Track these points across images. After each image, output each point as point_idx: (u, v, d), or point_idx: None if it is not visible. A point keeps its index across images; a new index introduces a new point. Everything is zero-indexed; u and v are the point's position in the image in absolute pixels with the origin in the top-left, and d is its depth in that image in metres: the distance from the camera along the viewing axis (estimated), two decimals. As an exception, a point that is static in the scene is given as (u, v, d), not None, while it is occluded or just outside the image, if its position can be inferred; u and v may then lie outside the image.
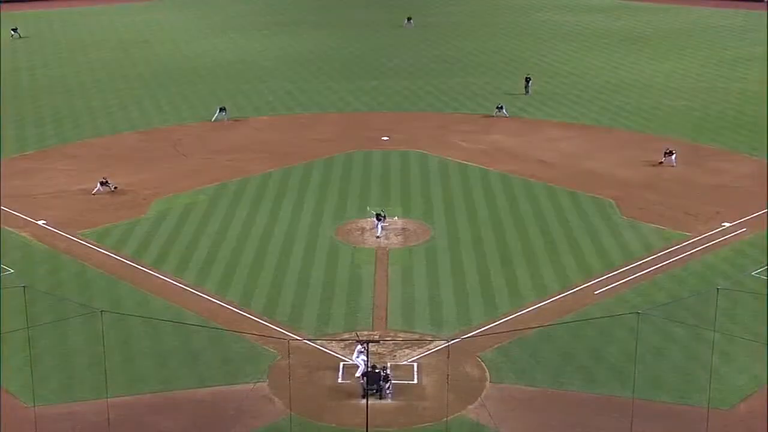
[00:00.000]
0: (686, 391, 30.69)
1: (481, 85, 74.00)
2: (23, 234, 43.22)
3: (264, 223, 44.94)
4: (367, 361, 30.42)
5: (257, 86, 73.65)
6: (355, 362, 31.43)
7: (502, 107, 64.62)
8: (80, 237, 42.96)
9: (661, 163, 53.13)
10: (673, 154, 53.28)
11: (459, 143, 58.42)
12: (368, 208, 44.29)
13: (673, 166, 52.75)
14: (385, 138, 59.28)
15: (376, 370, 30.35)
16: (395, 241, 43.02)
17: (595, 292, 37.75)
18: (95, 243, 42.29)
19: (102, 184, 48.32)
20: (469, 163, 54.11)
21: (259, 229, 44.13)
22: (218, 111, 63.12)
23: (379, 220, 43.41)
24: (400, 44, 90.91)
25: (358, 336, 32.93)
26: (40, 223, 44.56)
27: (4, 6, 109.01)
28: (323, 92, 72.04)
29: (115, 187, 48.46)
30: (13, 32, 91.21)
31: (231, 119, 62.83)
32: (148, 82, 74.88)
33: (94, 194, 48.06)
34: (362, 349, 31.23)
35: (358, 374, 30.93)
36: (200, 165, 54.01)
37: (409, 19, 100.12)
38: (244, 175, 51.92)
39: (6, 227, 43.98)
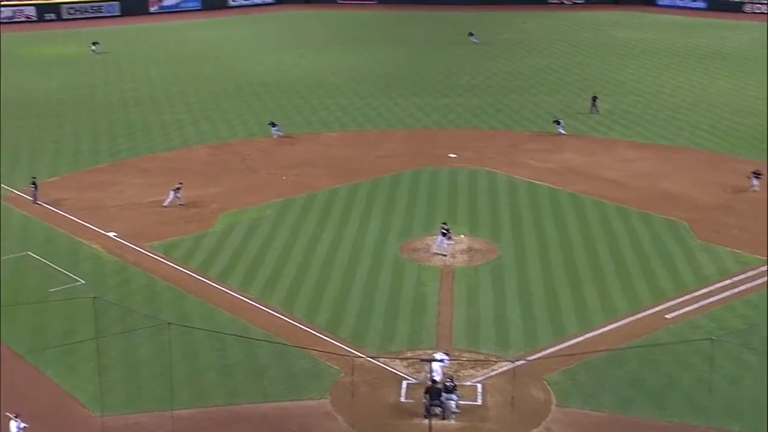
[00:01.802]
0: (762, 422, 29.84)
1: (553, 103, 73.50)
2: (94, 246, 44.46)
3: (330, 238, 45.34)
4: (431, 375, 30.37)
5: (326, 102, 74.47)
6: (432, 373, 31.39)
7: (559, 122, 64.04)
8: (149, 249, 43.99)
9: (748, 186, 51.41)
10: (760, 176, 51.70)
11: (528, 162, 58.08)
12: (442, 226, 44.18)
13: (755, 190, 51.21)
14: (453, 155, 59.30)
15: (437, 385, 30.28)
16: (461, 259, 42.93)
17: (667, 317, 37.06)
18: (163, 255, 43.25)
19: (175, 191, 49.29)
20: (539, 182, 53.75)
21: (324, 245, 44.55)
22: (270, 127, 63.65)
23: (445, 237, 43.41)
24: (469, 61, 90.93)
25: (425, 356, 32.92)
26: (110, 235, 45.78)
27: (89, 21, 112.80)
28: (392, 109, 72.47)
29: (181, 204, 49.44)
30: (93, 47, 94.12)
31: (285, 135, 63.31)
32: (218, 96, 76.39)
33: (165, 206, 49.13)
34: (442, 358, 31.21)
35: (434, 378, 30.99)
36: (267, 180, 54.80)
37: (471, 34, 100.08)
38: (311, 190, 52.47)
39: (78, 238, 45.31)
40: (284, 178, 54.15)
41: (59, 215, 48.51)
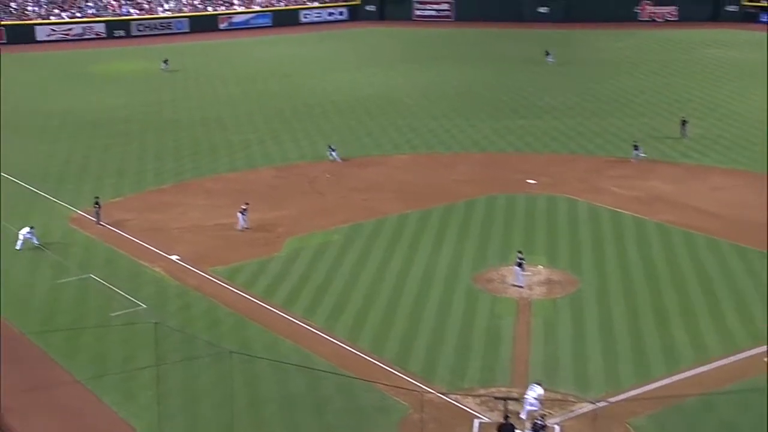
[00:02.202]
0: None
1: (639, 126, 72.38)
2: (156, 269, 45.14)
3: (399, 266, 45.21)
4: (526, 408, 30.02)
5: (397, 123, 74.69)
6: (528, 405, 31.19)
7: (637, 146, 62.89)
8: (211, 273, 44.46)
9: None
10: None
11: (611, 189, 57.15)
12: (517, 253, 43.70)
13: None
14: (532, 181, 58.73)
15: (509, 422, 29.73)
16: (538, 291, 42.33)
17: (766, 360, 35.78)
18: (226, 280, 43.65)
19: (242, 213, 49.81)
20: (623, 211, 52.78)
21: (393, 273, 44.42)
22: (329, 150, 63.85)
23: (520, 267, 42.88)
24: (548, 81, 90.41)
25: (499, 395, 32.46)
26: (173, 258, 46.45)
27: (158, 38, 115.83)
28: (466, 130, 72.26)
29: (246, 228, 49.88)
30: (163, 64, 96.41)
31: (343, 158, 63.46)
32: (287, 116, 77.29)
33: (240, 230, 49.65)
34: (534, 400, 30.94)
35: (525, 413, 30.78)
36: (335, 203, 55.05)
37: (547, 53, 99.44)
38: (380, 215, 52.53)
39: (140, 261, 46.11)
40: (328, 176, 53.75)
41: (122, 236, 49.47)
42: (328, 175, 54.28)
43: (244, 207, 50.22)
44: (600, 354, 36.48)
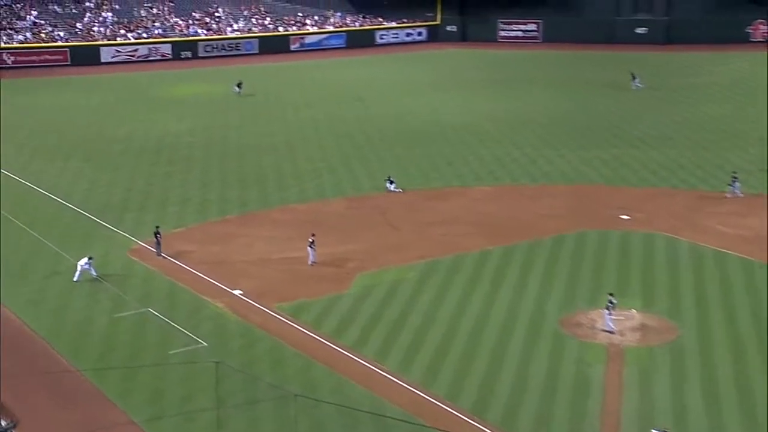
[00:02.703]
0: None
1: (748, 158, 70.82)
2: (218, 304, 45.64)
3: (478, 307, 44.88)
4: None
5: (479, 152, 74.52)
6: None
7: (736, 179, 61.51)
8: (276, 310, 44.75)
9: None
10: None
11: (716, 227, 55.90)
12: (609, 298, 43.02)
13: None
14: (626, 217, 57.86)
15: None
16: (632, 338, 41.49)
17: None
18: (292, 318, 43.88)
19: (311, 245, 50.15)
20: (729, 252, 51.54)
21: (472, 314, 44.09)
22: (387, 183, 64.19)
23: (611, 311, 42.11)
24: (641, 107, 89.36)
25: None
26: (236, 293, 46.92)
27: (226, 60, 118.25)
28: (554, 161, 71.75)
29: (314, 262, 50.22)
30: (236, 88, 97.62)
31: (402, 191, 63.50)
32: (360, 143, 77.84)
33: (310, 265, 50.03)
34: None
35: None
36: (411, 238, 55.07)
37: (633, 77, 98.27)
38: (459, 251, 52.30)
39: (201, 295, 46.68)
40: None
41: (183, 269, 50.20)
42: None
43: (311, 239, 50.55)
44: (702, 409, 35.49)
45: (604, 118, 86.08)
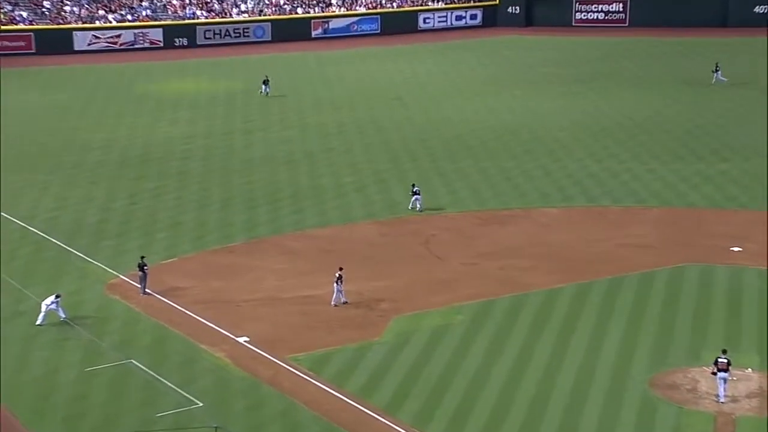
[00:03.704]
0: None
1: None
2: (219, 354, 45.68)
3: (544, 362, 44.62)
4: None
5: (547, 165, 74.41)
6: None
7: (718, 69, 60.40)
8: (291, 363, 44.70)
9: None
10: None
11: None
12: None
13: None
14: (736, 249, 57.50)
15: None
16: (746, 405, 41.09)
17: None
18: (310, 372, 43.81)
19: (338, 282, 50.20)
20: None
21: (537, 369, 43.84)
22: (412, 193, 64.53)
23: (720, 370, 41.58)
24: (746, 110, 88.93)
25: None
26: (241, 340, 46.95)
27: (230, 48, 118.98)
28: (642, 176, 71.45)
29: (343, 302, 50.34)
30: (264, 87, 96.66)
31: (428, 208, 63.72)
32: (396, 154, 77.99)
33: (335, 305, 50.15)
34: None
35: None
36: (459, 272, 54.93)
37: (716, 68, 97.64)
38: (521, 290, 52.14)
39: (197, 343, 46.80)
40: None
41: (174, 310, 50.27)
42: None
43: (338, 274, 50.62)
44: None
45: (710, 122, 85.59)
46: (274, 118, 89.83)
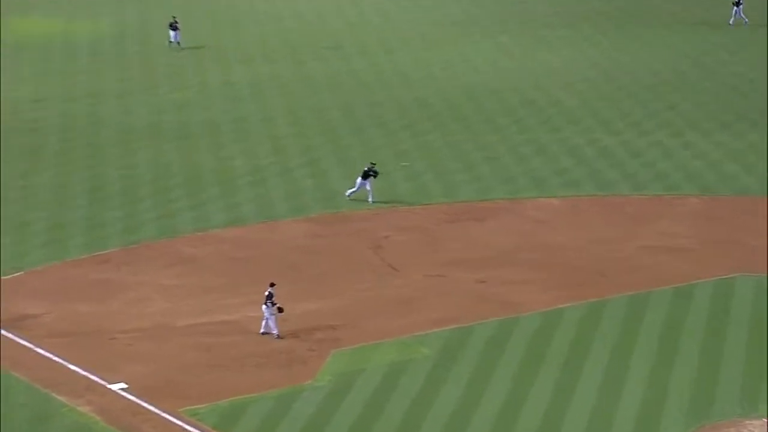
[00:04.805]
0: None
1: None
2: (83, 408, 45.09)
3: (543, 406, 44.68)
4: None
5: (541, 137, 74.84)
6: None
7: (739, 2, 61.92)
8: (187, 418, 44.31)
9: None
10: None
11: None
12: None
13: None
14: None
15: None
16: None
17: None
18: (216, 431, 43.50)
19: (268, 304, 50.04)
20: None
21: (533, 418, 43.83)
22: (364, 176, 64.69)
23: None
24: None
25: None
26: (115, 387, 46.46)
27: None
28: (675, 153, 72.04)
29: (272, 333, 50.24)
30: (172, 34, 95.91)
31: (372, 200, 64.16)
32: (333, 124, 78.30)
33: (262, 334, 50.22)
34: None
35: None
36: (422, 288, 54.98)
37: (738, 2, 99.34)
38: (508, 312, 52.23)
39: (54, 394, 46.11)
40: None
41: (19, 347, 49.64)
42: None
43: (269, 291, 50.35)
44: None
45: (763, 74, 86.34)
46: (160, 74, 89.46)
